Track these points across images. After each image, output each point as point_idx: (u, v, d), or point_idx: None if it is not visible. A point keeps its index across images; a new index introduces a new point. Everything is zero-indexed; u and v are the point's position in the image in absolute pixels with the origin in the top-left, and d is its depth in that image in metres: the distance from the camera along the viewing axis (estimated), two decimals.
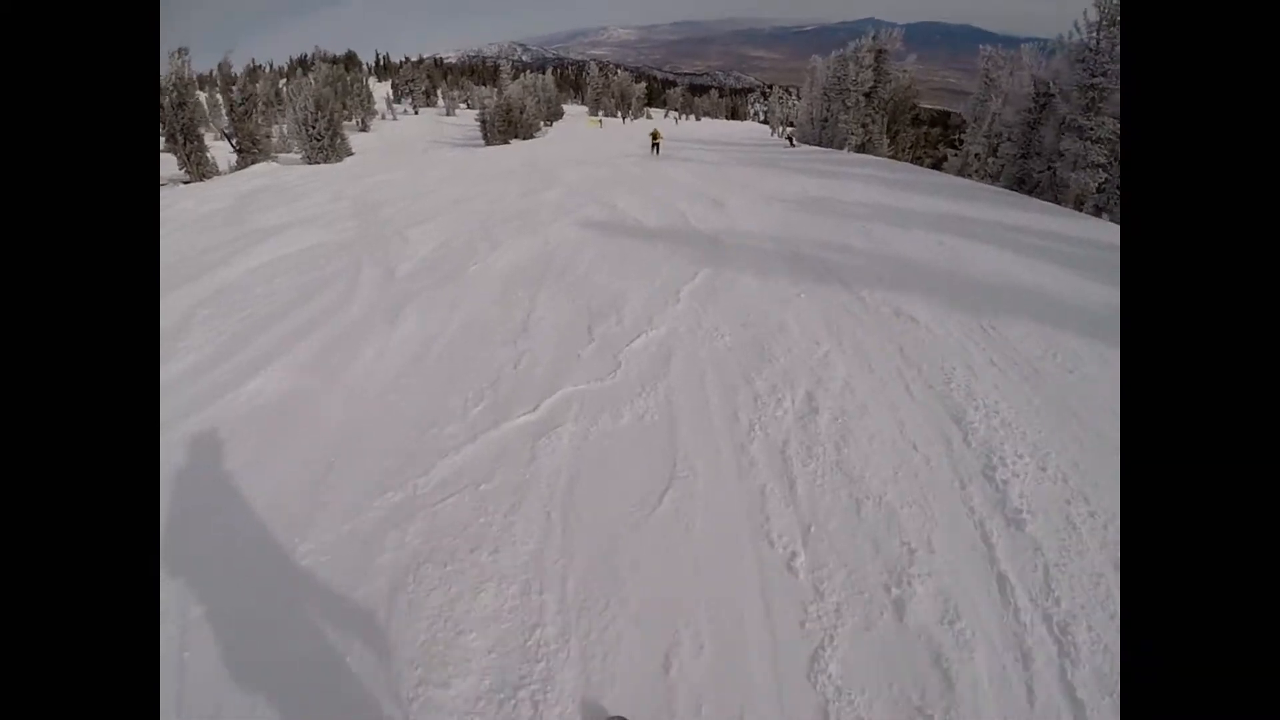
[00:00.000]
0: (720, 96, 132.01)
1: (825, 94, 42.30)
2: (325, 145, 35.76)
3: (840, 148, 35.88)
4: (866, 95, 34.91)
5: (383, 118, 79.65)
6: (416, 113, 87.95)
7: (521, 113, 54.33)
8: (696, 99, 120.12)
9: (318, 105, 35.52)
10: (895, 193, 16.30)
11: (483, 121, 52.05)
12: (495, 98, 52.05)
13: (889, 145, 35.06)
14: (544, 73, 79.13)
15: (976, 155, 28.30)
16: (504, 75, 65.64)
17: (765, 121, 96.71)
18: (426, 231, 12.18)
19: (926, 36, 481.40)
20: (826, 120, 42.68)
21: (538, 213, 13.91)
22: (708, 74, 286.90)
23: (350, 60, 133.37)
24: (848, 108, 35.22)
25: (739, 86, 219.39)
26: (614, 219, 12.87)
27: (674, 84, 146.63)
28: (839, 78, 35.17)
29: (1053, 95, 20.97)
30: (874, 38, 34.23)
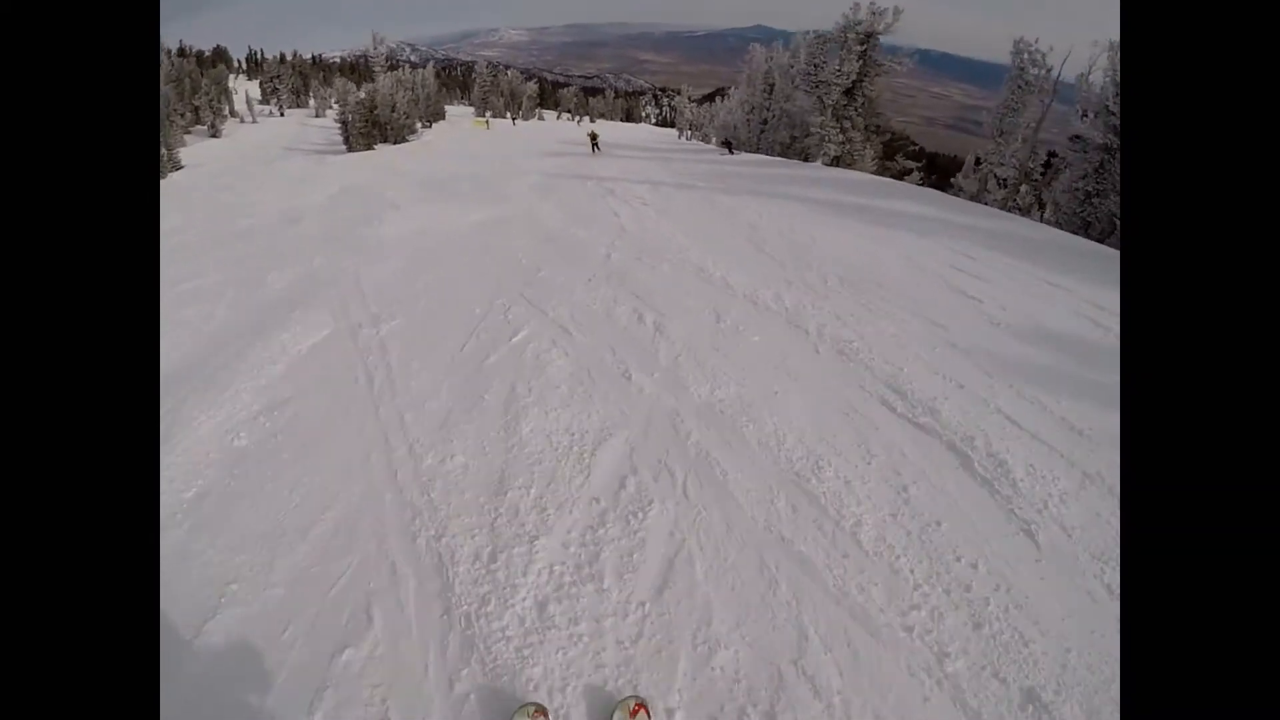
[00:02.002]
0: (615, 98, 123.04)
1: (767, 90, 33.85)
2: None
3: (801, 157, 27.41)
4: (848, 91, 25.78)
5: (241, 121, 66.76)
6: (283, 114, 74.95)
7: (392, 111, 43.39)
8: (591, 100, 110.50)
9: None
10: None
11: (343, 123, 40.92)
12: (356, 94, 40.85)
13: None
14: (419, 67, 67.51)
15: (1002, 181, 20.21)
16: (376, 69, 53.70)
17: (668, 125, 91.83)
18: None
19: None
20: (767, 122, 34.21)
21: None
22: (599, 77, 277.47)
23: (218, 57, 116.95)
24: (825, 106, 25.86)
25: (630, 89, 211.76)
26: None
27: (566, 85, 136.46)
28: (815, 66, 25.82)
29: None
30: (858, 21, 24.65)
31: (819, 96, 25.39)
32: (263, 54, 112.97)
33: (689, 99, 72.41)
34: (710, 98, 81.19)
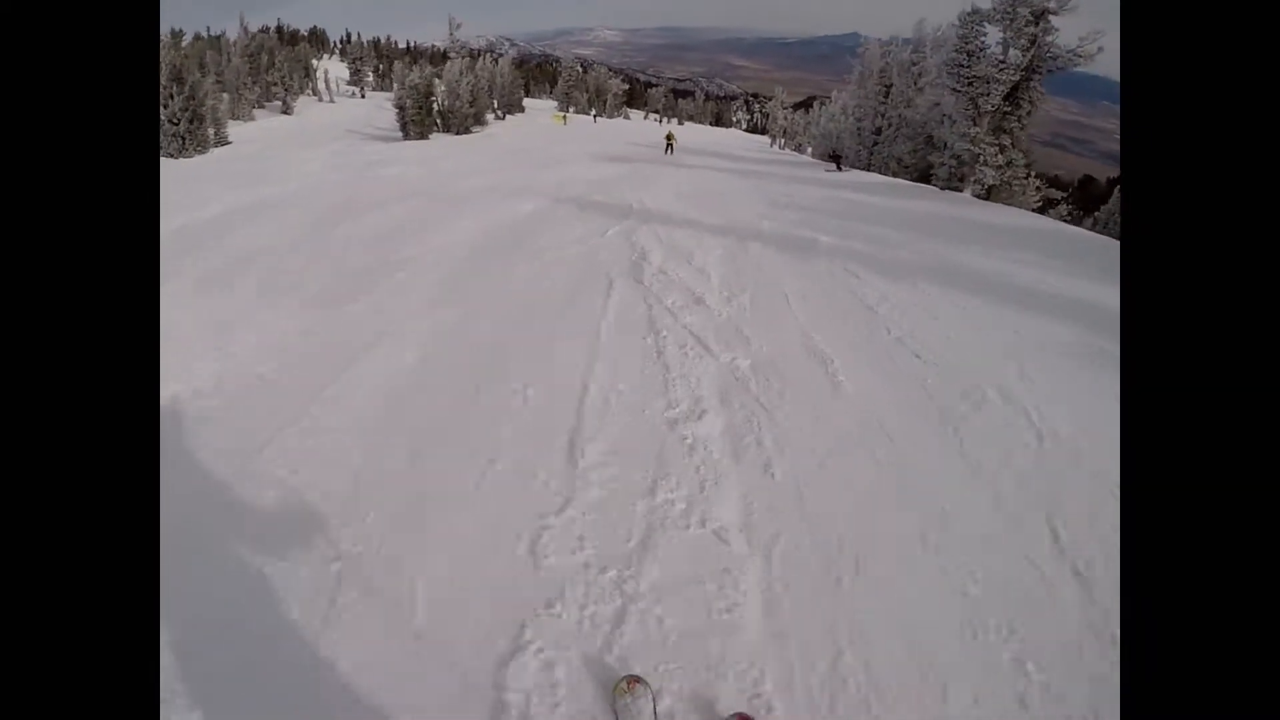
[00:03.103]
0: (706, 101, 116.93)
1: (883, 92, 27.60)
2: (182, 132, 29.06)
3: (921, 177, 21.15)
4: (1011, 93, 18.19)
5: (320, 99, 64.37)
6: (364, 96, 72.70)
7: (455, 100, 38.75)
8: (680, 101, 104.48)
9: (177, 80, 28.57)
10: None
11: (400, 109, 36.45)
12: (416, 77, 36.18)
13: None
14: (498, 57, 62.73)
15: None
16: (452, 56, 49.41)
17: (759, 131, 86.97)
18: None
19: None
20: (881, 132, 27.94)
21: None
22: (690, 79, 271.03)
23: (312, 37, 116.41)
24: (981, 113, 18.53)
25: (721, 94, 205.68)
26: None
27: (656, 85, 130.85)
28: (969, 54, 18.31)
29: None
30: None
31: (972, 98, 18.45)
32: (358, 36, 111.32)
33: (782, 104, 65.86)
34: (802, 105, 74.79)
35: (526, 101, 79.81)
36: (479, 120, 44.48)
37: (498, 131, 41.32)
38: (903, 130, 26.60)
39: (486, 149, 27.14)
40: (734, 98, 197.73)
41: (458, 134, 39.06)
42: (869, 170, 26.28)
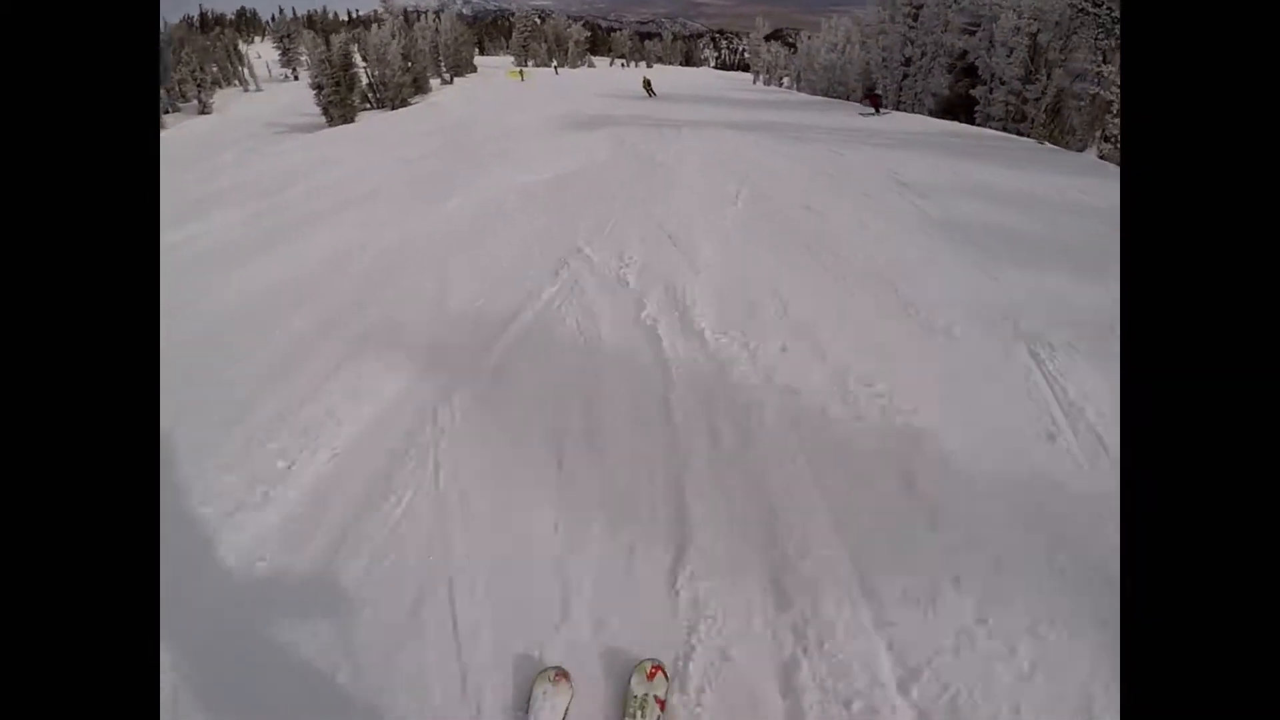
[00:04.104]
0: (674, 41, 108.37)
1: (912, 16, 21.28)
2: None
3: (972, 116, 15.26)
4: None
5: (245, 89, 56.46)
6: (297, 77, 63.79)
7: (386, 69, 32.10)
8: (647, 44, 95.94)
9: None
10: None
11: (318, 89, 29.77)
12: (322, 50, 29.21)
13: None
14: (439, 14, 54.57)
15: None
16: (384, 19, 42.14)
17: (728, 67, 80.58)
18: None
19: None
20: (911, 62, 21.68)
21: None
22: (654, 21, 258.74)
23: (240, 21, 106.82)
24: (1110, 28, 12.46)
25: (686, 33, 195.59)
26: None
27: (619, 29, 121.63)
28: None
29: None
30: None
31: (1103, 24, 12.27)
32: (292, 11, 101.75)
33: (761, 40, 58.33)
34: (771, 38, 67.65)
35: (481, 60, 72.34)
36: (420, 89, 37.81)
37: (443, 99, 34.60)
38: (939, 60, 20.50)
39: (418, 129, 20.72)
40: (700, 35, 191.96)
41: (393, 108, 32.55)
42: (896, 108, 20.32)
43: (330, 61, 28.29)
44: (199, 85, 45.02)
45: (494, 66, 62.79)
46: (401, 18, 45.22)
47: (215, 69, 51.40)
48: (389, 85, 32.70)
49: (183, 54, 46.88)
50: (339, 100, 28.58)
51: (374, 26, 39.15)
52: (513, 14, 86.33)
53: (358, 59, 30.74)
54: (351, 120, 29.04)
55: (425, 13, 55.85)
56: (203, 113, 44.14)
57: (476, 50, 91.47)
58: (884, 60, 22.48)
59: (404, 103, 33.16)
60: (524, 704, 2.22)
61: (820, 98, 29.42)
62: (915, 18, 21.33)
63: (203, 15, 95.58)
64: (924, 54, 21.25)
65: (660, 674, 2.28)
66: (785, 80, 56.95)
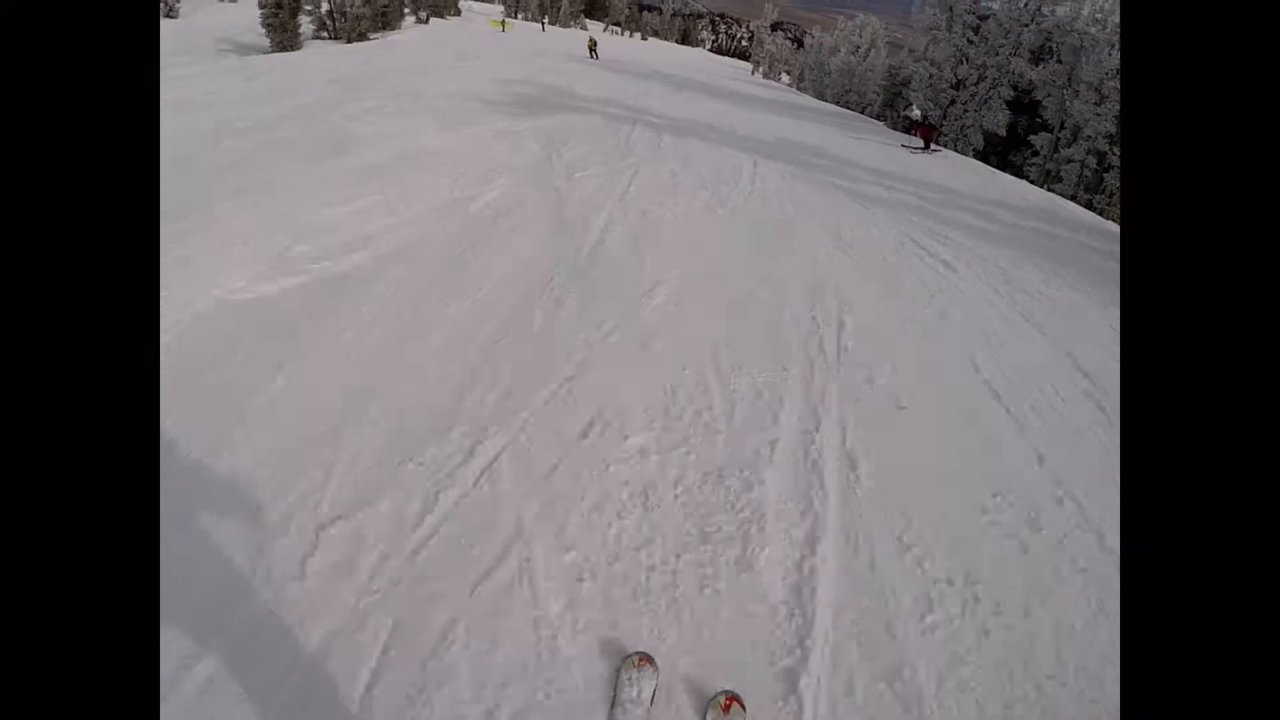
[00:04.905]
0: (673, 17, 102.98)
1: (972, 31, 17.54)
2: None
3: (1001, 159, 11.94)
4: None
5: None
6: None
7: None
8: (645, 15, 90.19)
9: None
10: None
11: (262, 8, 24.72)
12: None
13: None
14: None
15: None
16: None
17: (724, 53, 77.10)
18: None
19: None
20: (963, 86, 18.00)
21: None
22: None
23: None
24: None
25: (687, 11, 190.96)
26: None
27: None
28: None
29: None
30: None
31: None
32: None
33: (767, 29, 54.02)
34: (775, 30, 63.54)
35: (474, 5, 66.69)
36: (388, 24, 32.93)
37: (404, 39, 29.84)
38: (1000, 89, 16.89)
39: (340, 69, 16.24)
40: (700, 16, 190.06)
41: (348, 41, 27.70)
42: (940, 141, 16.72)
43: None
44: None
45: (482, 13, 57.22)
46: None
47: None
48: (347, 16, 27.70)
49: None
50: (278, 25, 23.59)
51: None
52: None
53: None
54: (293, 48, 24.16)
55: None
56: (168, 16, 38.61)
57: None
58: (930, 78, 18.76)
59: (361, 36, 28.21)
60: (609, 692, 2.11)
61: (831, 105, 25.71)
62: (977, 30, 17.65)
63: None
64: (981, 78, 17.63)
65: (736, 705, 2.16)
66: (785, 76, 53.20)
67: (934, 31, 18.94)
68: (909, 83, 19.20)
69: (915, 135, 14.38)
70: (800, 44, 58.34)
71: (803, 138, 12.79)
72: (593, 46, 28.75)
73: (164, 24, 37.31)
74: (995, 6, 17.38)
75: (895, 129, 17.00)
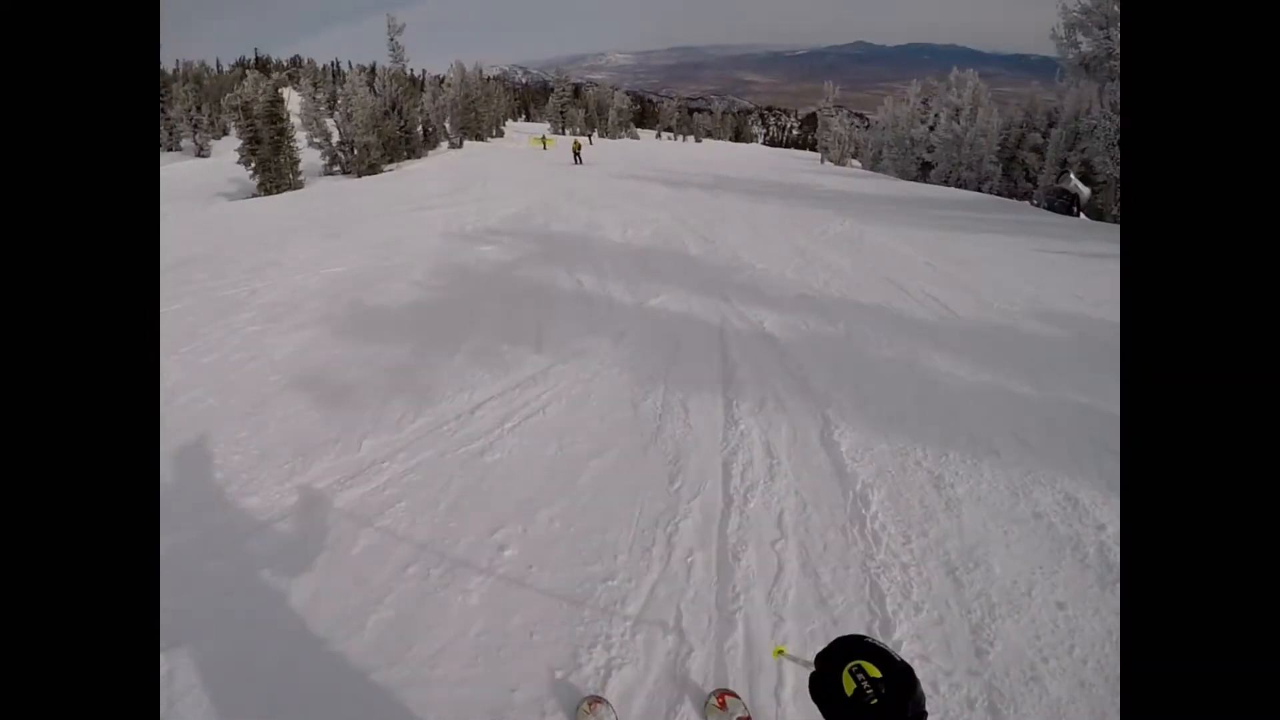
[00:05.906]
0: (724, 116, 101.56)
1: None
2: None
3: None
4: None
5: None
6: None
7: (353, 127, 24.12)
8: (696, 116, 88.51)
9: None
10: None
11: (242, 151, 21.59)
12: (251, 91, 21.13)
13: None
14: (464, 68, 47.11)
15: None
16: (389, 66, 34.66)
17: (778, 144, 75.09)
18: None
19: (915, 57, 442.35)
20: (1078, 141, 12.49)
21: None
22: (702, 98, 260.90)
23: (295, 65, 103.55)
24: None
25: (735, 110, 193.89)
26: None
27: (668, 101, 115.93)
28: None
29: None
30: None
31: None
32: (336, 64, 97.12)
33: (831, 109, 49.61)
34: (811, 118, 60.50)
35: (517, 125, 65.85)
36: (412, 152, 30.07)
37: (422, 167, 26.59)
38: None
39: (306, 215, 12.18)
40: (749, 112, 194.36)
41: (359, 175, 24.42)
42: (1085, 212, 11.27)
43: (245, 109, 20.07)
44: (195, 127, 39.67)
45: (526, 132, 55.74)
46: (410, 79, 38.15)
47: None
48: (356, 146, 24.52)
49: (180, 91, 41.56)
50: (260, 164, 20.21)
51: (379, 76, 31.41)
52: (575, 86, 79.15)
53: (291, 108, 22.54)
54: (289, 188, 20.83)
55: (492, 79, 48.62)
56: (200, 155, 38.40)
57: (521, 114, 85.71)
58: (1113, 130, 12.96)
59: (372, 168, 24.88)
60: None
61: (939, 188, 20.50)
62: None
63: (257, 59, 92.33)
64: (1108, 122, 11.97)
65: (731, 698, 2.24)
66: (854, 161, 48.51)
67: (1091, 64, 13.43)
68: (1077, 138, 13.70)
69: (1078, 215, 9.78)
70: (865, 122, 53.87)
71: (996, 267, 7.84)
72: (577, 150, 27.24)
73: (197, 163, 37.03)
74: None
75: (1051, 207, 12.30)
